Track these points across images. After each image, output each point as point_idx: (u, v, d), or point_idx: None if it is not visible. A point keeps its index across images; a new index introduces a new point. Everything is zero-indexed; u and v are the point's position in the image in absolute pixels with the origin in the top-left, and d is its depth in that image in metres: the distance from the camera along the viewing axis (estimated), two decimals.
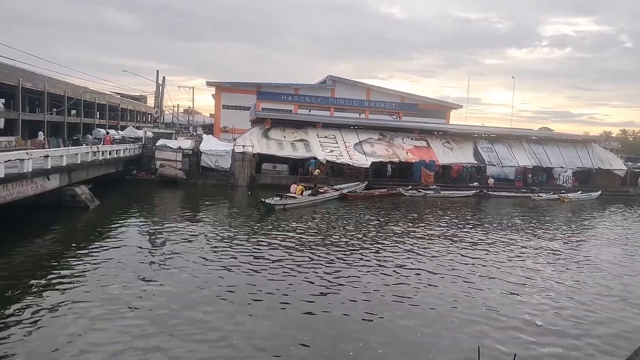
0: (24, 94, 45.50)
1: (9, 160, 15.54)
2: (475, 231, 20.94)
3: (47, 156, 18.76)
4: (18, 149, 25.36)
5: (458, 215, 25.50)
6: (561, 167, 40.63)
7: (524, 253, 17.09)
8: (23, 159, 16.45)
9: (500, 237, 19.97)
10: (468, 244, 17.98)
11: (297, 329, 9.37)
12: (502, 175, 39.10)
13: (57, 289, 10.95)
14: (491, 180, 37.22)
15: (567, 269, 15.19)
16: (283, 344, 8.66)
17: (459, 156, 39.07)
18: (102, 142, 34.22)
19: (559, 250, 17.84)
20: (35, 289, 10.90)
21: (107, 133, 43.16)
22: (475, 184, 36.92)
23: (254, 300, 10.80)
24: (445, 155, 38.64)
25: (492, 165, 38.86)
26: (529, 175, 39.38)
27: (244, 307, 10.31)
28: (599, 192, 37.27)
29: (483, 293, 12.17)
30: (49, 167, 18.62)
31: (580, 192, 36.97)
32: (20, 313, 9.44)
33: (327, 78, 56.60)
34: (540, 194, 35.16)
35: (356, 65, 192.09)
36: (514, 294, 12.22)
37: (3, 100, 49.58)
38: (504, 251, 17.19)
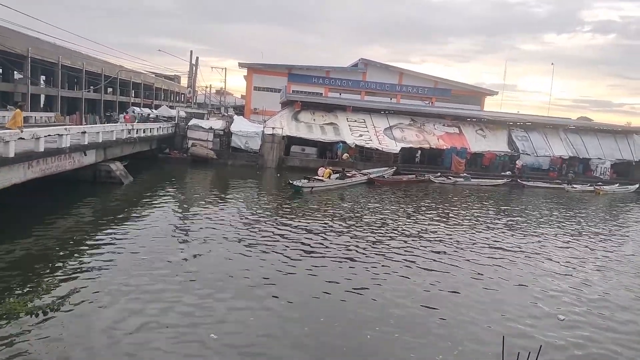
0: (63, 72, 46.95)
1: (48, 135, 16.13)
2: (505, 221, 20.54)
3: (84, 132, 19.37)
4: (57, 125, 26.27)
5: (488, 203, 25.06)
6: (599, 158, 39.15)
7: (552, 245, 16.65)
8: (62, 135, 17.06)
9: (530, 227, 19.53)
10: (495, 234, 17.67)
11: (318, 312, 9.49)
12: (537, 165, 38.01)
13: (93, 257, 11.46)
14: (519, 163, 36.32)
15: (598, 264, 14.74)
16: (309, 329, 8.79)
17: (492, 144, 38.18)
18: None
19: (588, 244, 17.29)
20: (74, 255, 11.43)
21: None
22: (508, 173, 36.08)
23: (277, 281, 10.97)
24: (477, 142, 37.82)
25: (527, 154, 37.80)
26: (564, 166, 38.17)
27: (269, 288, 10.49)
28: (637, 186, 35.77)
29: (509, 284, 11.99)
30: (86, 143, 19.23)
31: (617, 184, 35.60)
32: (63, 274, 9.92)
33: (359, 61, 55.93)
34: (575, 185, 34.08)
35: (389, 50, 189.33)
36: (540, 287, 11.97)
37: (44, 77, 51.29)
38: (532, 242, 16.78)
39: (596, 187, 33.71)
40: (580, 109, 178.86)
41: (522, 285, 11.99)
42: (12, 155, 13.47)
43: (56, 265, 10.85)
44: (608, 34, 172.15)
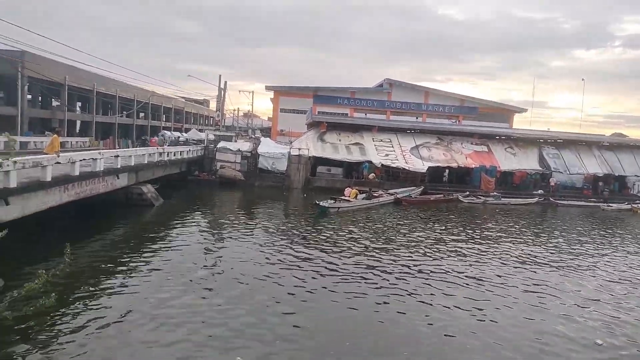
0: (98, 98, 48.81)
1: (83, 160, 16.68)
2: (540, 241, 19.91)
3: (117, 156, 19.96)
4: (91, 149, 27.17)
5: (520, 223, 24.37)
6: (636, 175, 37.75)
7: (588, 267, 15.99)
8: (96, 159, 17.62)
9: (566, 248, 18.86)
10: (530, 255, 17.11)
11: (344, 329, 9.32)
12: (570, 184, 36.96)
13: (127, 276, 11.74)
14: (552, 180, 35.33)
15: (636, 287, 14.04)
16: (334, 345, 8.64)
17: (523, 162, 37.38)
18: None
19: (626, 266, 16.52)
20: (106, 276, 11.66)
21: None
22: (540, 191, 35.13)
23: (305, 299, 10.87)
24: (507, 160, 37.10)
25: (559, 172, 36.80)
26: (600, 184, 36.90)
27: (298, 306, 10.40)
28: None
29: (546, 308, 11.52)
30: (119, 166, 19.79)
31: None
32: (99, 294, 10.13)
33: (384, 81, 56.12)
34: (611, 204, 32.86)
35: (413, 68, 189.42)
36: (577, 311, 11.47)
37: (79, 103, 53.43)
38: (568, 264, 16.17)
39: (634, 205, 32.42)
40: (613, 125, 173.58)
41: (559, 307, 11.51)
42: (49, 179, 13.97)
43: (88, 285, 11.06)
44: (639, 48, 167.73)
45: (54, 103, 48.40)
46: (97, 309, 9.71)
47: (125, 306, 9.89)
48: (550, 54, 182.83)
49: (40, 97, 46.59)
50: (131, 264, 13.04)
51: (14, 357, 7.05)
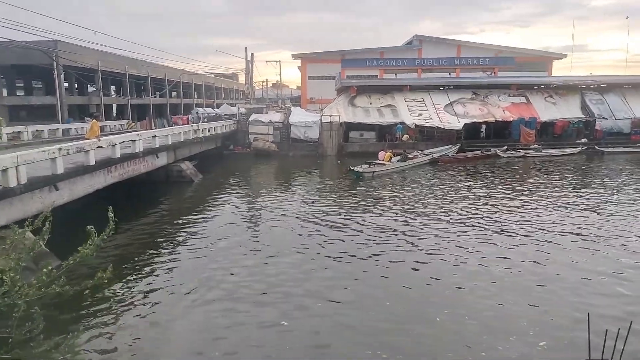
0: (130, 81, 49.84)
1: (123, 142, 17.26)
2: (586, 194, 19.22)
3: (155, 136, 20.52)
4: (129, 131, 28.00)
5: (563, 175, 23.60)
6: None
7: (636, 217, 15.38)
8: (134, 140, 18.20)
9: (612, 200, 18.16)
10: (576, 209, 16.59)
11: (385, 293, 9.48)
12: (616, 129, 35.12)
13: (178, 248, 12.32)
14: (598, 125, 33.96)
15: None
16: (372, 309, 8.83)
17: (564, 111, 35.78)
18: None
19: None
20: (158, 249, 12.23)
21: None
22: (584, 140, 33.69)
23: (343, 267, 11.07)
24: (547, 110, 35.61)
25: (603, 118, 35.05)
26: None
27: (341, 273, 10.63)
28: None
29: (591, 260, 11.26)
30: (157, 146, 20.36)
31: None
32: (153, 266, 10.70)
33: (414, 38, 54.39)
34: None
35: (443, 23, 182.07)
36: (622, 263, 11.14)
37: (113, 87, 54.76)
38: (613, 215, 15.59)
39: None
40: None
41: (605, 260, 11.22)
42: (92, 163, 14.59)
43: (141, 260, 11.66)
44: None
45: (90, 89, 49.91)
46: (152, 280, 10.28)
47: (178, 276, 10.45)
48: None
49: (76, 85, 48.07)
50: (178, 237, 13.64)
51: (78, 331, 7.57)
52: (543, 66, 52.65)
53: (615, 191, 19.34)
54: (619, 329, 5.17)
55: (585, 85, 38.53)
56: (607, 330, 4.98)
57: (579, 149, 32.05)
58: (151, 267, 11.13)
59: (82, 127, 30.21)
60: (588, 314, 6.15)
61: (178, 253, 12.23)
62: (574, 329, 7.67)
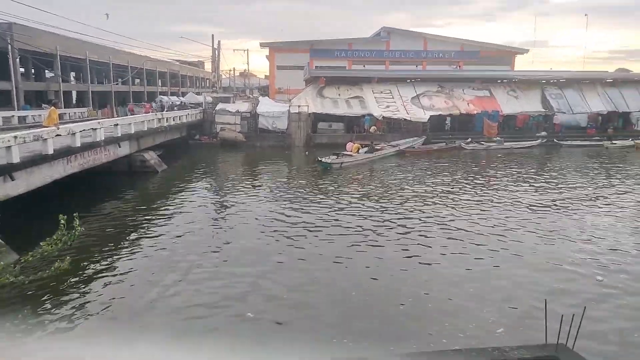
0: (91, 67, 48.05)
1: (83, 130, 16.67)
2: (541, 183, 20.00)
3: (117, 125, 19.91)
4: (90, 119, 27.06)
5: (521, 166, 24.42)
6: None
7: (588, 205, 16.13)
8: (95, 129, 17.60)
9: (566, 188, 18.95)
10: (531, 197, 17.24)
11: (350, 284, 9.61)
12: (574, 123, 36.53)
13: (140, 240, 11.99)
14: (557, 119, 35.28)
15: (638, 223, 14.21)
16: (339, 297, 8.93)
17: (525, 105, 36.94)
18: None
19: (622, 201, 16.61)
20: (119, 242, 11.90)
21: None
22: (543, 133, 34.91)
23: (311, 257, 11.12)
24: (509, 104, 36.67)
25: (562, 112, 36.41)
26: (600, 120, 36.52)
27: (302, 263, 10.67)
28: None
29: (547, 247, 11.74)
30: (119, 135, 19.76)
31: None
32: (109, 264, 10.41)
33: (382, 30, 54.60)
34: (614, 141, 32.69)
35: (412, 15, 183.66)
36: (577, 248, 11.68)
37: (73, 73, 52.71)
38: (569, 204, 16.31)
39: (636, 141, 32.27)
40: (617, 60, 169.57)
41: (561, 246, 11.72)
42: (51, 152, 14.03)
43: (101, 252, 11.34)
44: None
45: (48, 75, 47.80)
46: (111, 273, 10.02)
47: (139, 267, 10.25)
48: None
49: (33, 70, 45.92)
50: (140, 229, 13.30)
51: (31, 321, 7.33)
52: (506, 60, 53.96)
53: (571, 182, 20.17)
54: (573, 314, 5.42)
55: (546, 80, 39.84)
56: (562, 316, 5.19)
57: (538, 141, 33.19)
58: (111, 260, 10.83)
59: (40, 115, 28.98)
60: (545, 300, 6.42)
61: (140, 245, 11.95)
62: (532, 316, 7.99)
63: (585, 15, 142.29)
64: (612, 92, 38.33)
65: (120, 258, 10.97)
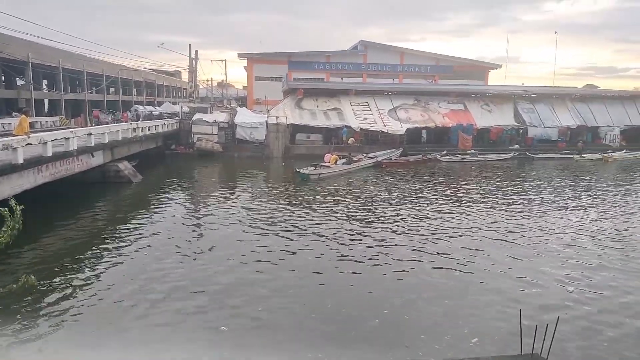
0: (64, 75, 47.06)
1: (55, 139, 16.25)
2: (512, 196, 20.44)
3: (90, 134, 19.49)
4: (62, 128, 26.43)
5: (496, 179, 24.92)
6: (608, 125, 38.70)
7: (557, 217, 16.53)
8: (68, 138, 17.19)
9: (537, 201, 19.40)
10: (503, 210, 17.60)
11: (325, 295, 9.57)
12: (545, 137, 37.62)
13: (112, 252, 11.64)
14: (530, 133, 36.41)
15: (603, 234, 14.64)
16: (315, 306, 8.88)
17: (498, 118, 37.87)
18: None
19: (592, 215, 17.07)
20: (85, 259, 11.55)
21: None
22: (516, 146, 35.78)
23: (288, 269, 11.04)
24: (483, 117, 37.52)
25: (534, 126, 37.47)
26: (570, 134, 37.72)
27: (280, 274, 10.58)
28: None
29: (520, 259, 11.96)
30: (93, 144, 19.34)
31: (624, 151, 35.17)
32: (77, 278, 10.09)
33: (359, 43, 55.37)
34: (584, 155, 33.76)
35: (388, 29, 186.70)
36: (549, 260, 11.94)
37: (46, 82, 51.50)
38: (539, 216, 16.68)
39: (604, 154, 33.41)
40: (585, 76, 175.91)
41: (533, 258, 11.95)
42: (21, 161, 13.62)
43: (72, 264, 11.00)
44: None
45: (19, 82, 46.57)
46: (80, 285, 9.71)
47: (109, 280, 9.97)
48: (523, 7, 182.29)
49: (3, 77, 44.69)
50: (112, 241, 12.93)
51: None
52: (480, 75, 55.42)
53: (542, 194, 20.67)
54: (547, 325, 5.52)
55: (518, 95, 41.01)
56: (537, 326, 5.29)
57: (511, 154, 33.98)
58: (82, 272, 10.53)
59: (10, 123, 28.16)
60: (520, 310, 6.53)
61: (112, 258, 11.60)
62: (507, 326, 8.10)
63: (555, 32, 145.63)
64: (581, 107, 39.71)
65: (88, 269, 10.68)
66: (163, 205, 17.85)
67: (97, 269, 10.77)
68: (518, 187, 22.68)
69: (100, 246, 12.45)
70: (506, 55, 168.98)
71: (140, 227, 14.48)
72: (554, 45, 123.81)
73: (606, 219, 16.33)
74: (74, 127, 28.94)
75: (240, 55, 54.11)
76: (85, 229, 14.44)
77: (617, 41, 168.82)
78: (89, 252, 11.93)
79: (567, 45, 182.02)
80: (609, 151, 34.62)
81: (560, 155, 34.30)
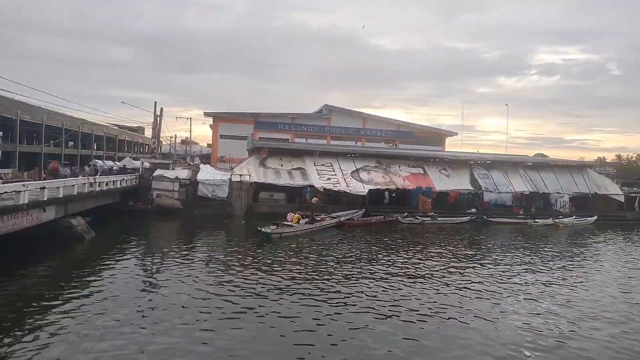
0: (21, 126, 45.74)
1: (4, 192, 15.49)
2: (468, 259, 20.84)
3: (44, 188, 18.72)
4: (14, 181, 25.30)
5: (454, 243, 25.39)
6: (558, 192, 40.74)
7: (510, 280, 16.90)
8: (19, 191, 16.42)
9: (492, 263, 19.85)
10: (459, 273, 17.84)
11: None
12: (500, 202, 39.12)
13: (57, 317, 10.85)
14: (487, 197, 37.75)
15: (561, 296, 15.02)
16: None
17: (456, 182, 39.23)
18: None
19: (548, 278, 17.62)
20: (27, 320, 10.68)
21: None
22: (473, 210, 36.90)
23: (248, 327, 10.59)
24: (442, 181, 38.77)
25: (489, 191, 38.97)
26: (524, 199, 39.42)
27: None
28: (595, 217, 37.23)
29: (478, 321, 11.99)
30: (45, 198, 18.54)
31: (574, 217, 36.94)
32: (19, 341, 9.24)
33: (323, 107, 57.27)
34: (537, 220, 35.15)
35: (351, 95, 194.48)
36: (504, 323, 12.03)
37: (1, 132, 49.87)
38: (496, 280, 16.99)
39: (556, 220, 34.91)
40: (535, 146, 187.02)
41: (489, 321, 12.02)
42: None
43: (11, 327, 10.13)
44: (553, 76, 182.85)
45: None
46: (22, 346, 8.90)
47: (53, 341, 9.17)
48: (476, 81, 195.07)
49: None
50: (57, 304, 12.07)
51: None
52: (438, 141, 57.99)
53: (498, 259, 21.14)
54: None
55: (474, 161, 42.94)
56: None
57: (468, 217, 34.93)
58: (16, 334, 9.74)
59: None
60: None
61: (57, 323, 10.74)
62: None
63: (506, 105, 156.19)
64: (533, 174, 41.88)
65: (28, 333, 9.90)
66: (113, 264, 16.98)
67: (32, 329, 9.98)
68: (474, 250, 23.14)
69: (42, 304, 11.72)
70: (462, 123, 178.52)
71: (89, 290, 13.51)
72: (506, 116, 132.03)
73: (560, 284, 16.78)
74: (27, 181, 27.78)
75: (207, 114, 54.68)
76: (28, 289, 13.46)
77: (562, 115, 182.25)
78: (29, 309, 11.14)
79: (517, 117, 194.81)
80: (560, 217, 36.24)
81: (515, 220, 35.54)
